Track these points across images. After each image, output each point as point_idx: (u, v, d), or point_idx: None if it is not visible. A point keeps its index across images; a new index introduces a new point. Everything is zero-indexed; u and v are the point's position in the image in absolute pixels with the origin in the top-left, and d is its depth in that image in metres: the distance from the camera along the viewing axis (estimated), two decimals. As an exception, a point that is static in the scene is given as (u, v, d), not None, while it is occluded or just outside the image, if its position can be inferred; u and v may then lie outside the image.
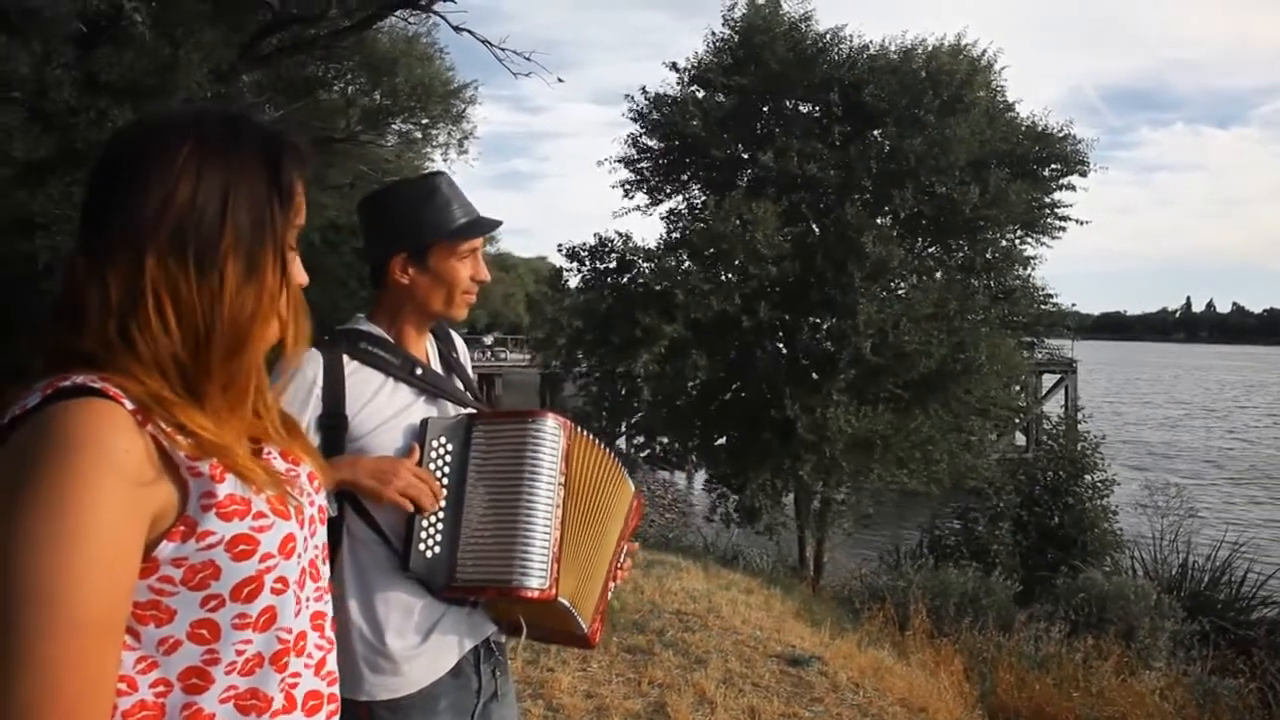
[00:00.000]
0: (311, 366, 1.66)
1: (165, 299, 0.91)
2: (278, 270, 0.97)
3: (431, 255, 1.75)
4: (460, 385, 1.88)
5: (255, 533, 0.94)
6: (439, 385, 1.80)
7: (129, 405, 0.89)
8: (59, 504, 0.83)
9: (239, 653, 0.95)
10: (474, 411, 1.81)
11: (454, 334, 1.97)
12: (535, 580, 1.66)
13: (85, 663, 0.83)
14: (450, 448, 1.73)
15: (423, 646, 1.68)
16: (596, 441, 1.80)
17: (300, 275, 1.03)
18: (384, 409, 1.71)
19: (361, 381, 1.70)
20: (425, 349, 1.84)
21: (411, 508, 1.67)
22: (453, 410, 1.80)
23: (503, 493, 1.70)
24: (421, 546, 1.68)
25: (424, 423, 1.73)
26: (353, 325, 1.79)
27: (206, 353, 0.93)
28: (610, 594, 1.85)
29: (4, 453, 0.86)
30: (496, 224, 1.86)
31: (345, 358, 1.70)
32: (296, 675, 1.01)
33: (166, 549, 0.91)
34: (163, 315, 0.91)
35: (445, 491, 1.71)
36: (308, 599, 1.04)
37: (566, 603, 1.71)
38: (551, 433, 1.72)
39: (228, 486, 0.93)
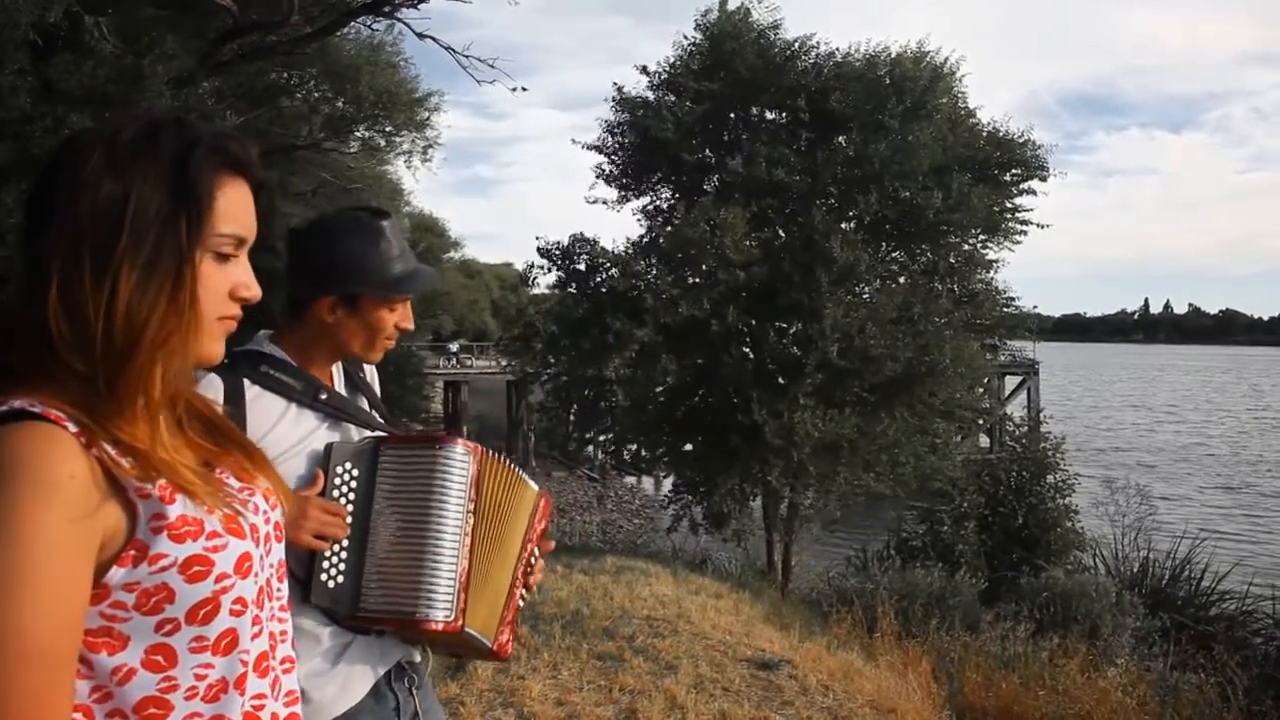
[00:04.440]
0: (211, 392, 1.59)
1: (69, 309, 0.89)
2: (180, 282, 0.93)
3: (364, 302, 1.71)
4: (367, 406, 1.84)
5: (209, 553, 0.93)
6: (344, 409, 1.75)
7: (72, 428, 0.87)
8: (3, 535, 0.81)
9: (199, 677, 0.93)
10: (382, 435, 1.76)
11: None
12: (440, 613, 1.63)
13: (36, 694, 0.82)
14: (355, 473, 1.68)
15: (331, 674, 1.64)
16: (504, 460, 1.77)
17: (247, 289, 1.00)
18: (287, 436, 1.66)
19: (263, 408, 1.65)
20: (331, 373, 1.80)
21: (327, 549, 1.64)
22: (358, 434, 1.75)
23: (410, 521, 1.66)
24: (324, 576, 1.64)
25: (328, 448, 1.69)
26: (254, 347, 1.72)
27: (106, 363, 0.90)
28: (521, 600, 1.82)
29: None
30: (433, 276, 1.84)
31: (246, 382, 1.64)
32: (261, 697, 0.99)
33: (117, 574, 0.89)
34: (70, 326, 0.89)
35: (350, 519, 1.67)
36: (268, 618, 1.02)
37: (474, 631, 1.69)
38: (460, 460, 1.69)
39: (179, 508, 0.92)
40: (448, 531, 1.65)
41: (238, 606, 0.96)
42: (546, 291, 15.57)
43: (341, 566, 1.65)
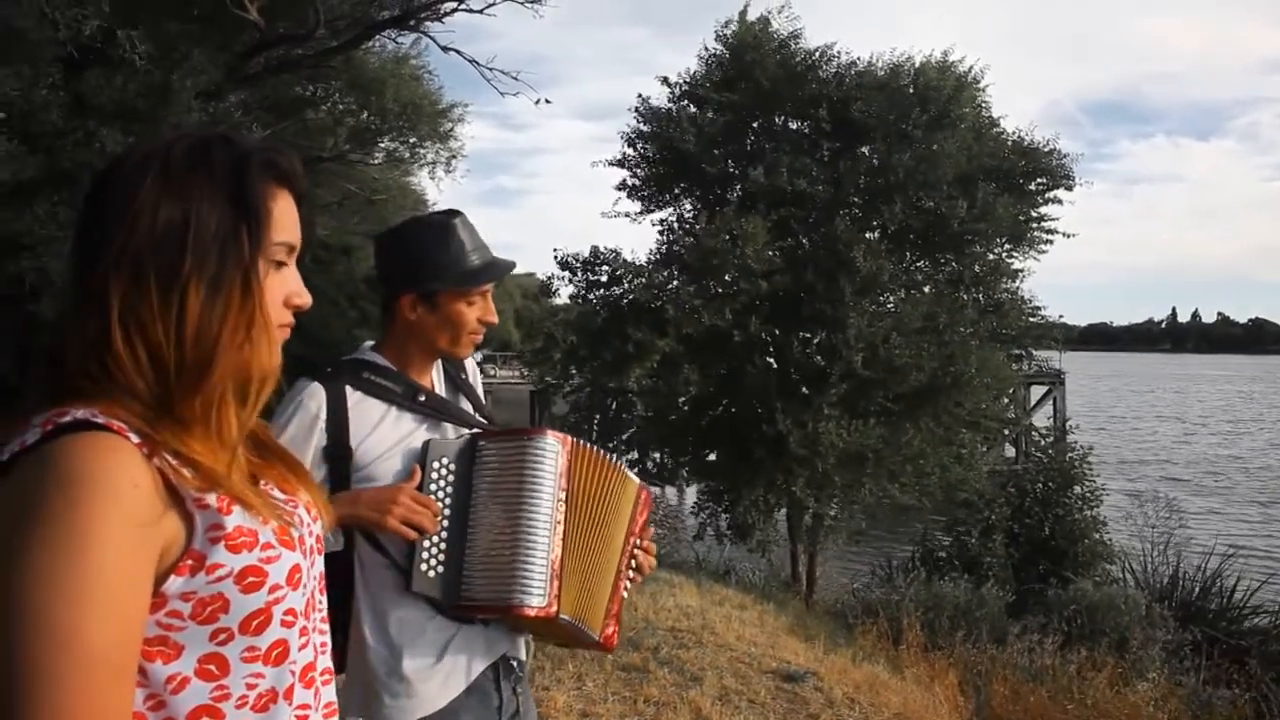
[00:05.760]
0: (315, 400, 1.68)
1: (131, 328, 0.90)
2: (248, 292, 0.95)
3: (441, 298, 1.77)
4: (469, 407, 1.90)
5: (264, 564, 0.94)
6: (442, 409, 1.81)
7: (134, 439, 0.88)
8: (68, 543, 0.82)
9: (250, 687, 0.94)
10: (478, 431, 1.82)
11: None
12: (535, 599, 1.68)
13: (98, 701, 0.82)
14: (453, 468, 1.74)
15: (436, 666, 1.70)
16: (597, 450, 1.81)
17: (299, 296, 1.02)
18: (387, 437, 1.73)
19: (364, 412, 1.72)
20: (431, 376, 1.86)
21: (415, 535, 1.68)
22: (455, 433, 1.81)
23: (506, 511, 1.72)
24: (424, 566, 1.70)
25: (425, 445, 1.75)
26: (357, 355, 1.82)
27: (175, 379, 0.92)
28: (625, 592, 1.85)
29: (6, 490, 0.85)
30: (510, 267, 1.86)
31: (348, 389, 1.72)
32: (306, 707, 1.01)
33: (175, 584, 0.90)
34: (130, 344, 0.90)
35: (448, 511, 1.72)
36: (314, 629, 1.03)
37: (569, 618, 1.72)
38: (551, 450, 1.74)
39: (236, 518, 0.93)
40: (540, 520, 1.70)
41: (288, 617, 0.97)
42: (567, 302, 15.64)
43: (441, 557, 1.71)
